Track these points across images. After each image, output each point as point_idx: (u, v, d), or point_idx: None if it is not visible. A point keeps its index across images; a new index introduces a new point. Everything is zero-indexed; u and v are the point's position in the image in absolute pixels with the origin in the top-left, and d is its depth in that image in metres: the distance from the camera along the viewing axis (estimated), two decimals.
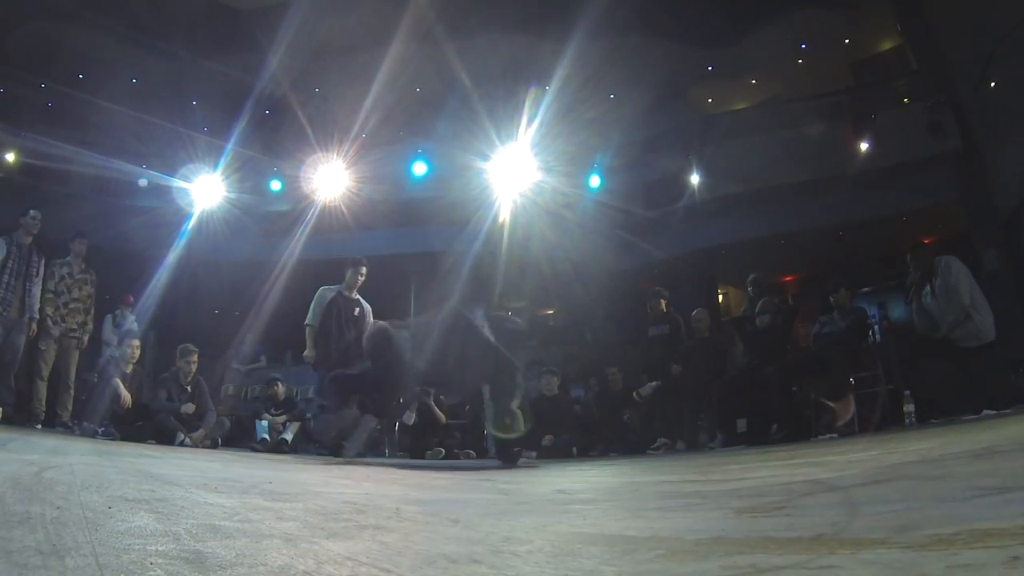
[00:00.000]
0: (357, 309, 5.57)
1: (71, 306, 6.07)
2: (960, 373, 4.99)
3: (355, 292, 5.64)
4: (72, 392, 6.07)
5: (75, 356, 6.14)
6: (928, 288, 5.18)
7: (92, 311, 6.29)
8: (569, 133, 8.81)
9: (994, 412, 4.46)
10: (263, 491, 2.00)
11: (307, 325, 5.51)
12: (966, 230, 8.67)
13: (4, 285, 5.53)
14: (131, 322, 6.94)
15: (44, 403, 5.82)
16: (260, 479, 2.47)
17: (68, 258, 6.16)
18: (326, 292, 5.58)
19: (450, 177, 9.58)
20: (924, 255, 5.41)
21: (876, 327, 6.54)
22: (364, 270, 5.63)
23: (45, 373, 5.88)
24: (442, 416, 6.68)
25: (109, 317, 7.03)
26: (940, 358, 5.09)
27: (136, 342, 6.56)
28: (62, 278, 6.06)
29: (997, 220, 8.22)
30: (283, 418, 6.64)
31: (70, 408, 6.00)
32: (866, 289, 10.04)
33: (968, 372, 4.93)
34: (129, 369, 6.36)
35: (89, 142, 9.46)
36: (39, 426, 5.64)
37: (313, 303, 5.55)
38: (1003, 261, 7.96)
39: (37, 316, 5.76)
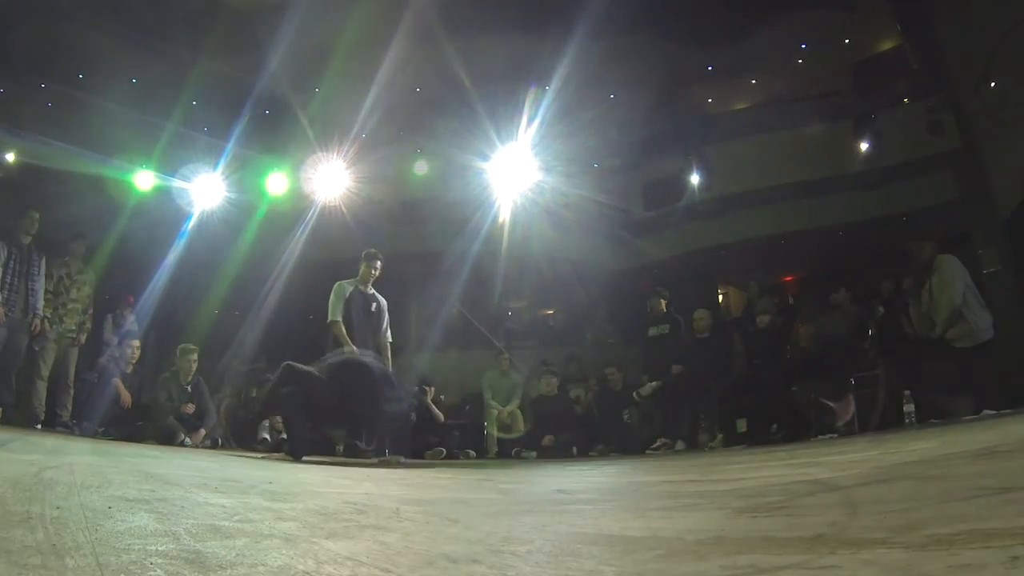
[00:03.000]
0: (374, 304, 5.39)
1: (69, 306, 6.08)
2: (959, 373, 5.00)
3: (370, 287, 5.42)
4: (72, 392, 6.07)
5: (74, 356, 6.14)
6: (927, 287, 5.19)
7: (90, 311, 6.29)
8: (569, 133, 8.80)
9: (994, 412, 4.47)
10: (263, 491, 2.00)
11: (333, 322, 5.21)
12: (966, 230, 8.67)
13: (7, 286, 5.54)
14: (131, 322, 6.93)
15: (44, 403, 5.83)
16: (260, 479, 2.47)
17: (66, 259, 6.17)
18: (345, 286, 5.33)
19: (450, 177, 9.58)
20: (928, 247, 5.40)
21: (876, 327, 6.54)
22: (379, 264, 5.40)
23: (45, 373, 5.88)
24: (440, 415, 6.69)
25: (109, 317, 7.03)
26: (939, 358, 5.09)
27: (136, 342, 6.56)
28: (60, 279, 6.07)
29: (997, 220, 8.22)
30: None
31: (70, 408, 6.00)
32: (866, 289, 10.05)
33: (966, 372, 4.93)
34: (129, 369, 6.36)
35: (89, 142, 9.45)
36: (39, 426, 5.64)
37: (332, 298, 5.27)
38: (1003, 261, 7.96)
39: (41, 315, 5.76)
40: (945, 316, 4.96)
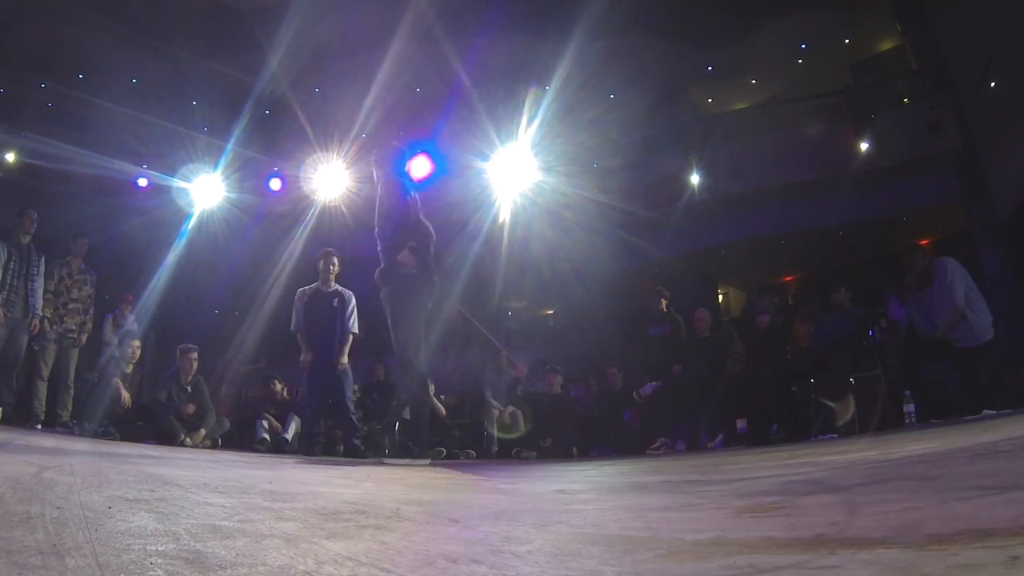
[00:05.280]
0: (336, 300, 5.57)
1: (70, 306, 6.08)
2: (959, 373, 5.00)
3: (332, 284, 5.62)
4: (72, 392, 6.07)
5: (74, 356, 6.14)
6: (928, 289, 5.19)
7: (91, 311, 6.29)
8: (569, 133, 8.80)
9: (994, 412, 4.47)
10: (263, 491, 2.00)
11: (294, 331, 5.56)
12: (966, 230, 8.68)
13: (7, 286, 5.54)
14: (131, 322, 6.93)
15: (44, 403, 5.83)
16: (260, 479, 2.47)
17: (67, 258, 6.17)
18: (305, 291, 5.62)
19: (450, 177, 9.57)
20: (920, 257, 5.42)
21: (876, 327, 6.53)
22: (335, 260, 5.65)
23: (45, 373, 5.88)
24: (442, 409, 6.69)
25: (109, 317, 7.03)
26: (939, 358, 5.09)
27: (136, 342, 6.56)
28: (61, 279, 6.07)
29: (997, 220, 8.22)
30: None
31: (70, 408, 6.00)
32: (866, 289, 10.06)
33: (967, 372, 4.93)
34: (129, 369, 6.35)
35: (89, 142, 9.47)
36: (39, 426, 5.64)
37: (294, 308, 5.60)
38: (1003, 261, 7.96)
39: (40, 314, 5.77)
40: (948, 317, 4.96)
